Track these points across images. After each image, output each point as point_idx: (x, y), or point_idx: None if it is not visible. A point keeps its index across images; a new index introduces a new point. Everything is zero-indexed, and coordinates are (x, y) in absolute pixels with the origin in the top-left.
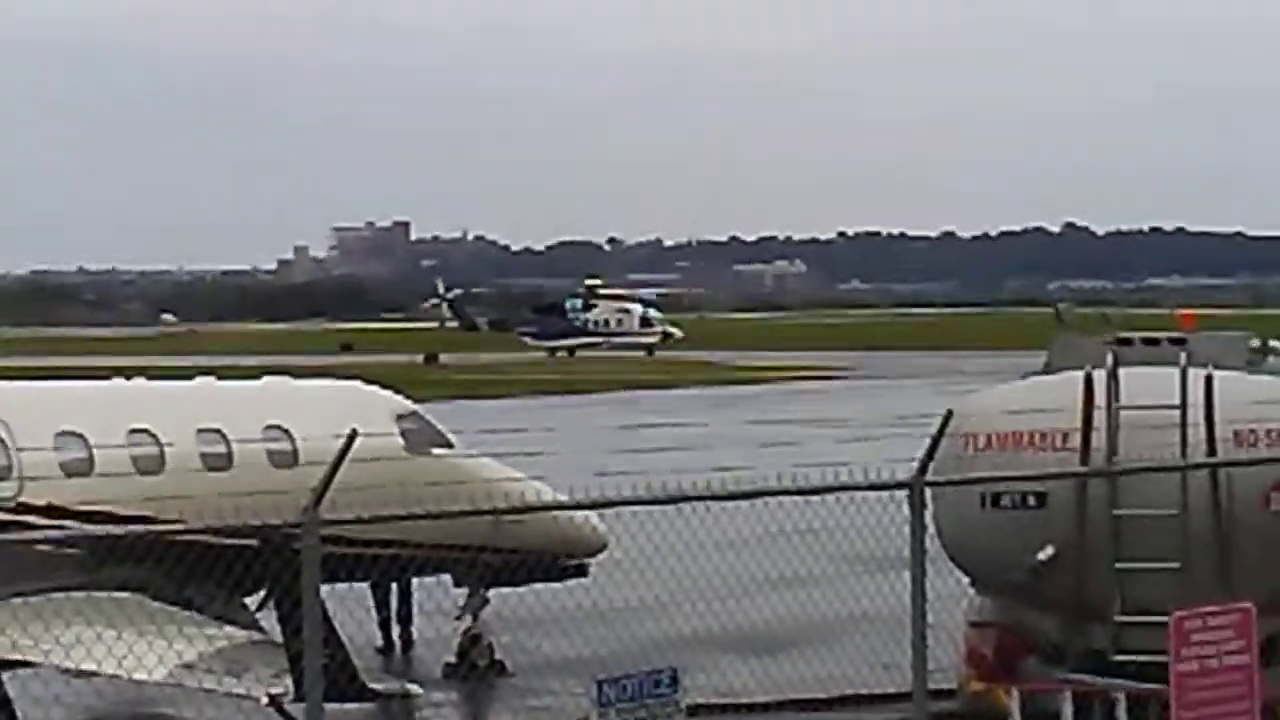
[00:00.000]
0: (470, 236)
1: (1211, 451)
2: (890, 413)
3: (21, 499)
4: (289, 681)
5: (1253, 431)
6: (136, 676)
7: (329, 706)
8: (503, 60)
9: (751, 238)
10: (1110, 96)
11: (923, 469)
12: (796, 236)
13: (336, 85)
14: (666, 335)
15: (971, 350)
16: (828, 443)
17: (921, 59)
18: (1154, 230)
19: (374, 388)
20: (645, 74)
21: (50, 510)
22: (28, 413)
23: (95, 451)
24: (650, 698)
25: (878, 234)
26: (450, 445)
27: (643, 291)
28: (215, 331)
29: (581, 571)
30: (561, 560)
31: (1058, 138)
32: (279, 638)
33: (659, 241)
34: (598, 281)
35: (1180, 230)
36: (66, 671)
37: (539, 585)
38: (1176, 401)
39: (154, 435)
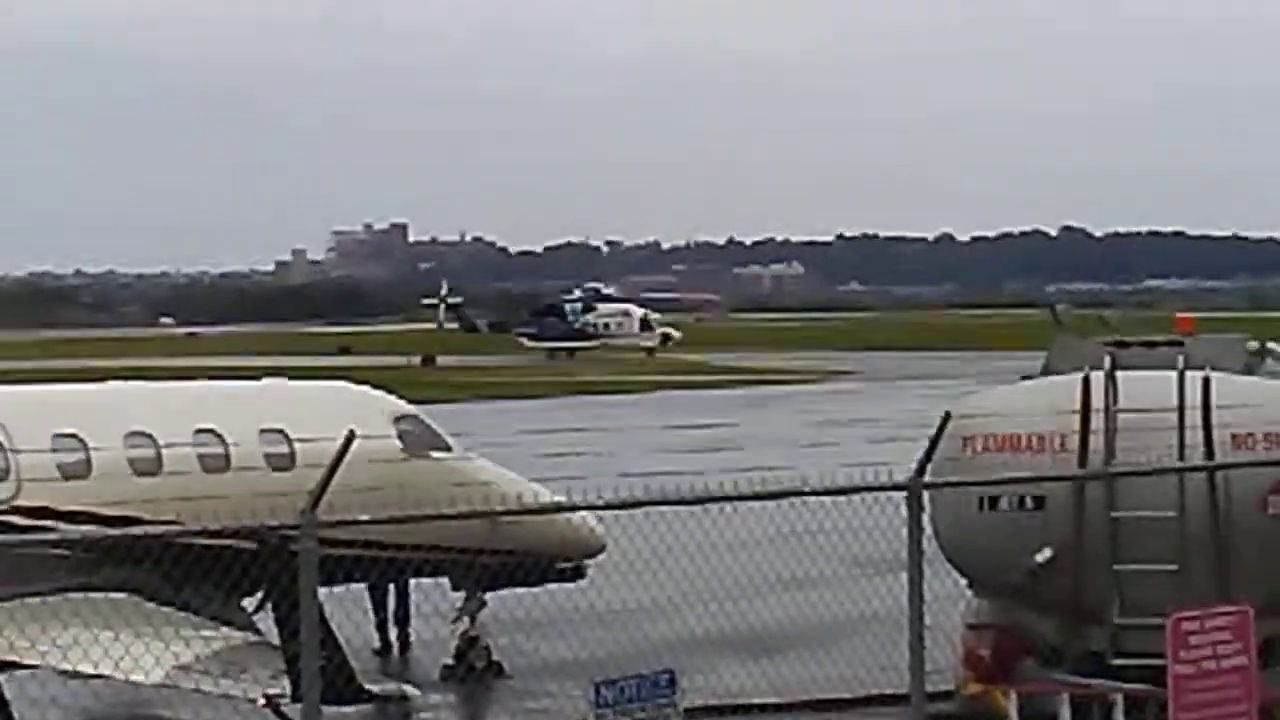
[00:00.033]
0: (468, 238)
1: (1209, 454)
2: (888, 412)
3: (19, 501)
4: (286, 683)
5: (1250, 434)
6: (133, 678)
7: (326, 708)
8: (502, 61)
9: (750, 240)
10: (1110, 96)
11: (920, 471)
12: (795, 238)
13: (335, 86)
14: (666, 338)
15: (968, 352)
16: (835, 445)
17: (921, 59)
18: (1152, 232)
19: (371, 389)
20: (644, 75)
21: (47, 512)
22: (25, 415)
23: (92, 454)
24: (648, 700)
25: (876, 236)
26: (448, 448)
27: (645, 295)
28: (213, 334)
29: (579, 573)
30: (559, 562)
31: (1057, 138)
32: (276, 640)
33: (657, 244)
34: (600, 285)
35: (1178, 232)
36: (64, 673)
37: (536, 587)
38: (1174, 404)
39: (151, 437)
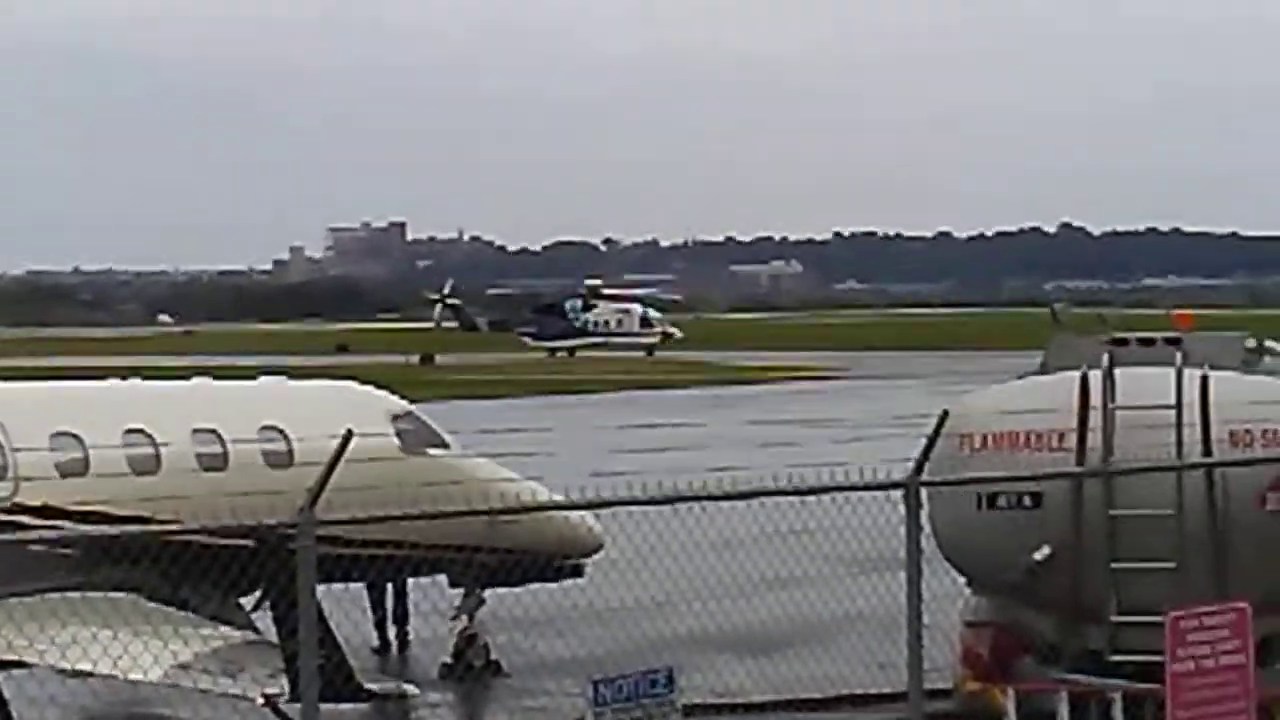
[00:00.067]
0: (466, 237)
1: (1207, 451)
2: (888, 413)
3: (17, 499)
4: (284, 682)
5: (1248, 431)
6: (132, 677)
7: (324, 707)
8: (502, 60)
9: (747, 238)
10: (1110, 96)
11: (918, 469)
12: (792, 237)
13: (334, 86)
14: (666, 335)
15: (968, 350)
16: (826, 443)
17: (921, 59)
18: (1150, 230)
19: (370, 388)
20: (644, 75)
21: (46, 510)
22: (23, 413)
23: (91, 452)
24: (646, 698)
25: (874, 234)
26: (446, 445)
27: (637, 291)
28: (211, 332)
29: (577, 572)
30: (557, 560)
31: (1056, 138)
32: (274, 638)
33: (655, 242)
34: (598, 282)
35: (1176, 230)
36: (62, 672)
37: (535, 585)
38: (1172, 402)
39: (149, 436)
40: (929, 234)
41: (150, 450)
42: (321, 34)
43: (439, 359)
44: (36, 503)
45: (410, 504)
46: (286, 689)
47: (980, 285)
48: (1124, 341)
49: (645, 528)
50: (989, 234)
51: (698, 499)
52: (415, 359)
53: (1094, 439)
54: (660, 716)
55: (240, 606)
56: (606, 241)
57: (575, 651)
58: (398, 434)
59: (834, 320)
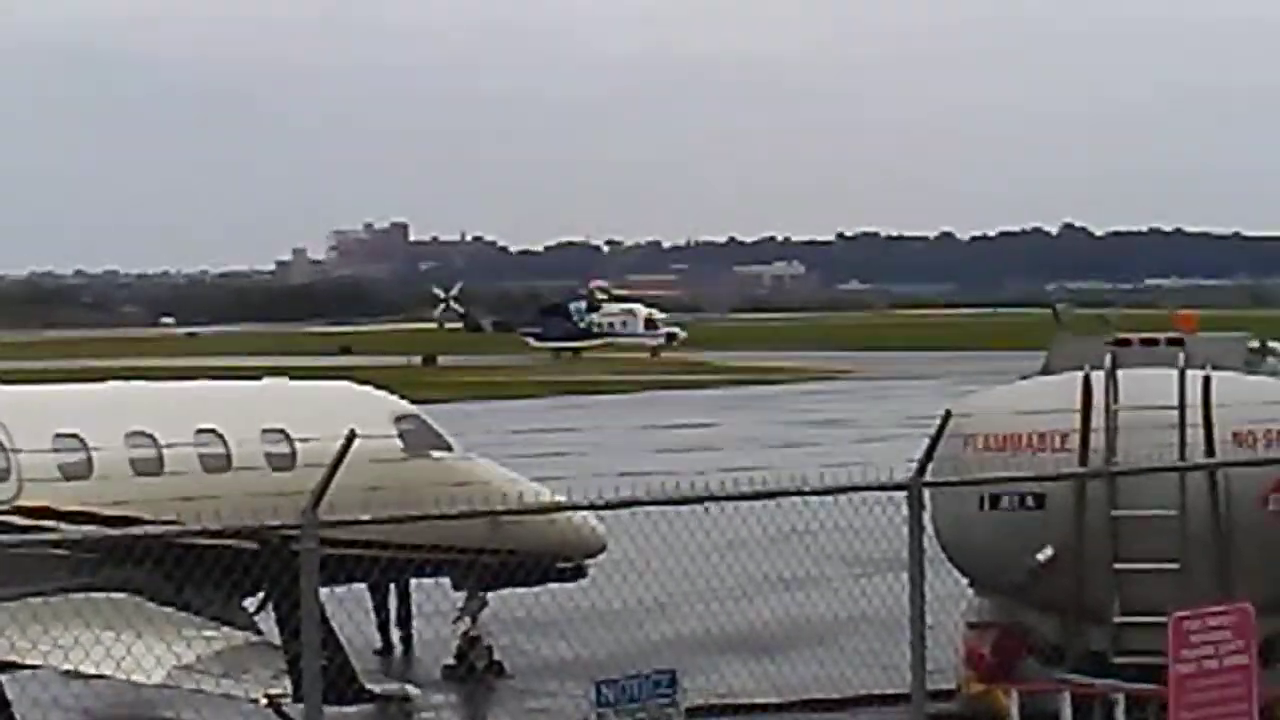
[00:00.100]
0: (468, 238)
1: (1210, 452)
2: (887, 413)
3: (20, 501)
4: (287, 683)
5: (1251, 432)
6: (135, 678)
7: (328, 708)
8: (502, 61)
9: (750, 239)
10: (1110, 96)
11: (921, 470)
12: (795, 237)
13: (335, 86)
14: (671, 337)
15: (969, 351)
16: (845, 444)
17: (921, 59)
18: (1152, 231)
19: (372, 389)
20: (644, 75)
21: (49, 512)
22: (26, 415)
23: (93, 454)
24: (649, 699)
25: (876, 235)
26: (449, 447)
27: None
28: (214, 334)
29: (580, 573)
30: (560, 562)
31: (1058, 138)
32: (277, 640)
33: (657, 243)
34: (604, 283)
35: (1178, 231)
36: (65, 673)
37: (538, 587)
38: (1175, 402)
39: (152, 437)
40: (931, 234)
41: (153, 452)
42: (321, 34)
43: (441, 360)
44: (39, 504)
45: (413, 505)
46: (289, 690)
47: (982, 286)
48: (1126, 342)
49: (649, 529)
50: (991, 234)
51: (700, 500)
52: (418, 360)
53: (1097, 440)
54: (663, 718)
55: (243, 608)
56: (609, 242)
57: (578, 653)
58: (401, 435)
59: (837, 321)
